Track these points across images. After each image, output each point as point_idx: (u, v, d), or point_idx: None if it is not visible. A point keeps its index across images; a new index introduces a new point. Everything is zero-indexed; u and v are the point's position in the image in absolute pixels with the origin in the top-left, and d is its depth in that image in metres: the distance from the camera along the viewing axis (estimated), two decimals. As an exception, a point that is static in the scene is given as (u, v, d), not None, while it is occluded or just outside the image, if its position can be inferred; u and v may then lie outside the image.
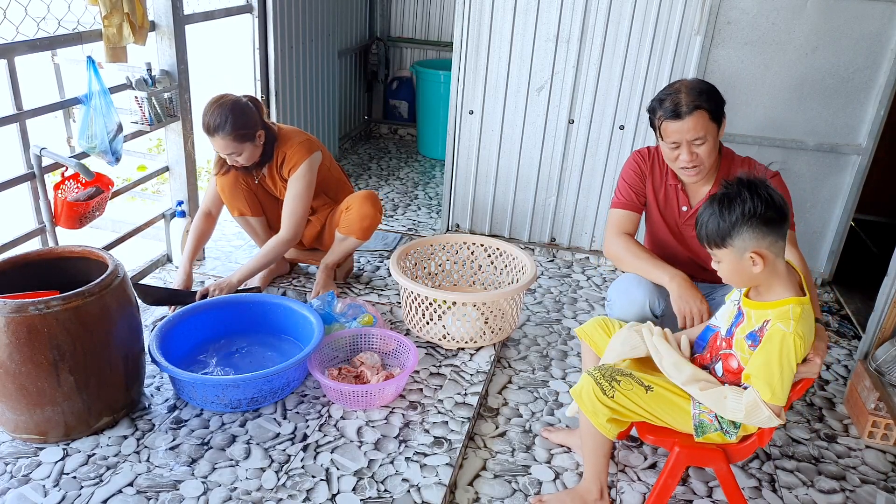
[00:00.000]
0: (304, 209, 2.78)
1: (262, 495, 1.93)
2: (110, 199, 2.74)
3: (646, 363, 1.99)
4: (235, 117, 2.54)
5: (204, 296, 2.68)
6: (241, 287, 2.81)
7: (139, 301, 2.29)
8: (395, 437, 2.19)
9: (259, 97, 3.82)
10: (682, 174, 2.16)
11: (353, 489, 1.97)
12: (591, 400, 1.80)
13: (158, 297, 2.73)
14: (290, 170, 2.74)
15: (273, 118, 3.87)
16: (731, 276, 1.71)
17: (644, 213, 2.34)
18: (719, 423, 1.76)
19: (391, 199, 4.25)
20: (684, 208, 2.24)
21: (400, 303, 2.88)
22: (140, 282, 2.80)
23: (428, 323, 2.66)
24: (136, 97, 2.76)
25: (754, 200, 1.60)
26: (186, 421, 2.21)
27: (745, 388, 1.69)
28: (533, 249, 3.68)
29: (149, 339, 2.31)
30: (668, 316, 2.12)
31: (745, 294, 1.77)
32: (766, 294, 1.70)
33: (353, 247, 2.94)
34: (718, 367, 1.79)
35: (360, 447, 2.14)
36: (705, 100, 2.03)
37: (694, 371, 1.77)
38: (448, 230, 3.81)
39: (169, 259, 3.19)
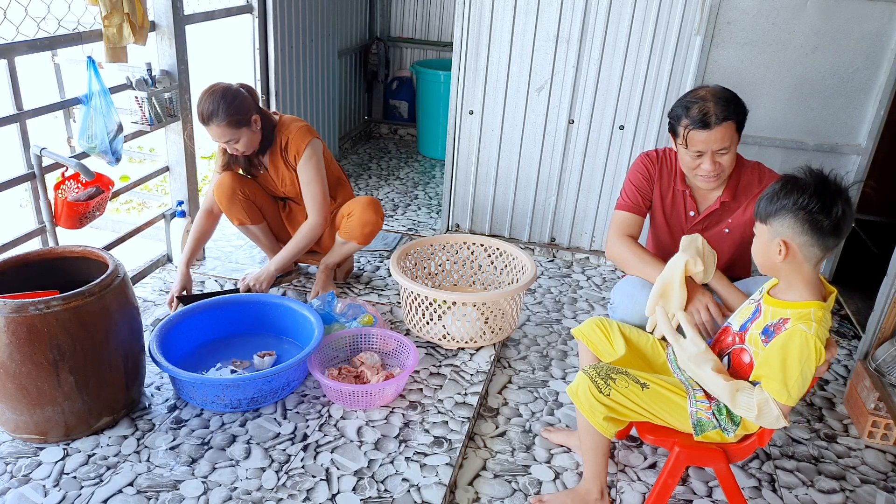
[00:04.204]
0: (324, 190, 2.78)
1: (262, 495, 1.93)
2: (110, 199, 2.74)
3: (641, 362, 2.00)
4: (228, 103, 2.53)
5: (247, 290, 2.72)
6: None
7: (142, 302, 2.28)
8: (395, 437, 2.19)
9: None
10: (700, 181, 2.13)
11: (353, 489, 1.97)
12: (587, 398, 1.80)
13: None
14: (296, 155, 2.73)
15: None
16: (756, 255, 1.70)
17: (648, 216, 2.33)
18: (717, 420, 1.76)
19: (391, 199, 4.25)
20: (692, 213, 2.22)
21: (400, 303, 2.88)
22: (178, 295, 2.77)
23: (428, 323, 2.66)
24: (136, 97, 2.76)
25: (812, 198, 1.56)
26: (186, 421, 2.21)
27: (757, 385, 1.67)
28: (533, 249, 3.68)
29: (149, 339, 2.31)
30: None
31: (767, 292, 1.76)
32: (788, 293, 1.68)
33: (354, 250, 2.95)
34: (726, 363, 1.79)
35: (360, 447, 2.14)
36: (734, 110, 2.01)
37: (712, 357, 1.76)
38: (448, 230, 3.81)
39: (169, 259, 3.19)
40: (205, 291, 2.85)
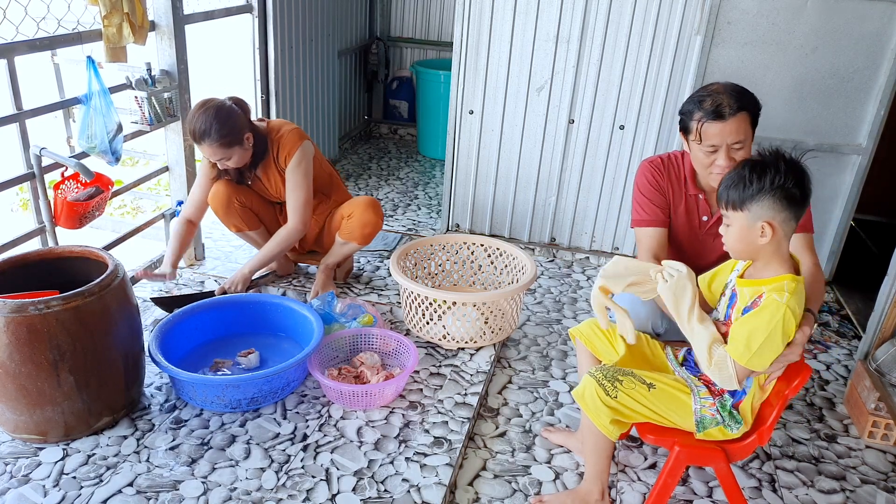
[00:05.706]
0: (308, 196, 2.76)
1: (262, 495, 1.93)
2: (110, 199, 2.74)
3: (641, 362, 1.99)
4: (220, 123, 2.52)
5: (224, 293, 2.71)
6: (254, 277, 2.85)
7: (142, 304, 2.29)
8: (395, 437, 2.19)
9: (259, 97, 3.82)
10: (715, 179, 2.03)
11: (353, 489, 1.97)
12: (594, 401, 1.80)
13: (177, 305, 2.67)
14: (286, 157, 2.73)
15: (273, 118, 3.86)
16: (734, 243, 1.70)
17: None
18: (721, 416, 1.76)
19: (391, 199, 4.25)
20: (704, 218, 2.17)
21: (400, 303, 2.88)
22: (153, 296, 2.80)
23: (428, 323, 2.66)
24: (136, 97, 2.76)
25: (787, 174, 1.61)
26: (186, 421, 2.21)
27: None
28: (533, 249, 3.68)
29: (148, 339, 2.31)
30: (672, 332, 2.10)
31: (739, 275, 1.76)
32: (763, 272, 1.70)
33: (354, 250, 2.96)
34: None
35: (360, 447, 2.14)
36: (748, 101, 1.97)
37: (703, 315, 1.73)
38: (448, 230, 3.81)
39: (169, 259, 3.19)
40: (181, 294, 2.83)
